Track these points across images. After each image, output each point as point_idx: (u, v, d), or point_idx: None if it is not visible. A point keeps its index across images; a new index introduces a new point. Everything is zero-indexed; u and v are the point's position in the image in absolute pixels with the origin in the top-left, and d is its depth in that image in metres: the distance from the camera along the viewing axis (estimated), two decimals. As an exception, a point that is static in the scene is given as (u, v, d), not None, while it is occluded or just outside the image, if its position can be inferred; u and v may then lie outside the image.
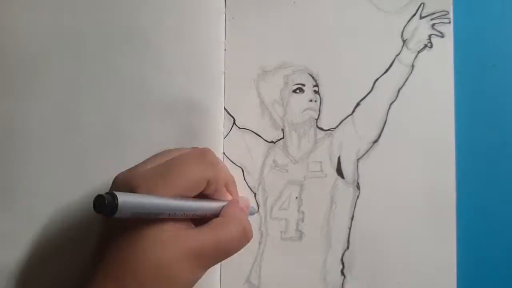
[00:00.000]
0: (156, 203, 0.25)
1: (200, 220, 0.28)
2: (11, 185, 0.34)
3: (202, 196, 0.29)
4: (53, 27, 0.36)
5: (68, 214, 0.34)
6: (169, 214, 0.26)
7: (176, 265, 0.26)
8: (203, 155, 0.29)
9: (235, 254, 0.28)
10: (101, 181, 0.34)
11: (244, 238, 0.29)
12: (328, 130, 0.36)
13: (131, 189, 0.26)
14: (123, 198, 0.23)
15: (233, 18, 0.36)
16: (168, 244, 0.26)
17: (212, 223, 0.28)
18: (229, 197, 0.31)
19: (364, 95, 0.36)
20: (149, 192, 0.26)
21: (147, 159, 0.30)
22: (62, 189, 0.34)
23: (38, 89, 0.35)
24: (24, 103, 0.35)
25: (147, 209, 0.24)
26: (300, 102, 0.36)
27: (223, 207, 0.30)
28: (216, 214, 0.29)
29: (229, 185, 0.31)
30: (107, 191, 0.24)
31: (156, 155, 0.30)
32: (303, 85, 0.36)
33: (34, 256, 0.34)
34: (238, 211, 0.30)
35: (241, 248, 0.29)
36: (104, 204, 0.22)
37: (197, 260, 0.26)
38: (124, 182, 0.27)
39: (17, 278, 0.34)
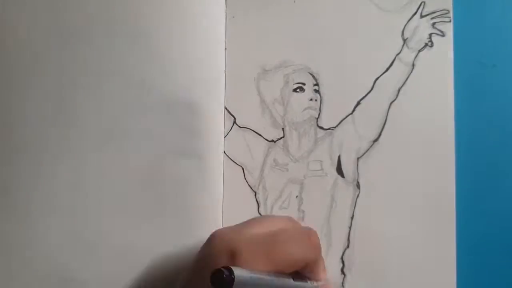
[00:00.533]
0: (264, 281, 0.25)
1: None
2: (11, 185, 0.34)
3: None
4: (53, 27, 0.36)
5: (68, 213, 0.34)
6: None
7: None
8: (309, 236, 0.29)
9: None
10: (101, 179, 0.34)
11: None
12: (329, 129, 0.36)
13: (233, 253, 0.26)
14: (239, 273, 0.23)
15: (233, 17, 0.36)
16: None
17: None
18: (322, 277, 0.30)
19: (364, 94, 0.36)
20: (251, 260, 0.26)
21: (248, 222, 0.29)
22: (62, 189, 0.34)
23: (38, 89, 0.35)
24: (24, 103, 0.35)
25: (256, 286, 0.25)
26: (300, 101, 0.36)
27: None
28: None
29: (321, 264, 0.31)
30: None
31: (258, 220, 0.30)
32: (304, 84, 0.36)
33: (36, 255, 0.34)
34: None
35: None
36: (222, 278, 0.23)
37: None
38: (225, 242, 0.27)
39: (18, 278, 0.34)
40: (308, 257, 0.28)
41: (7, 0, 0.36)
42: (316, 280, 0.30)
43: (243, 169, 0.35)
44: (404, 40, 0.36)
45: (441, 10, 0.36)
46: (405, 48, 0.36)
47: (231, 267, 0.23)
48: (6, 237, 0.34)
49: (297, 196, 0.35)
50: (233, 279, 0.23)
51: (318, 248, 0.29)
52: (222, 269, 0.23)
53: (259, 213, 0.35)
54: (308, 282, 0.30)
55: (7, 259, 0.34)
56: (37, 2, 0.36)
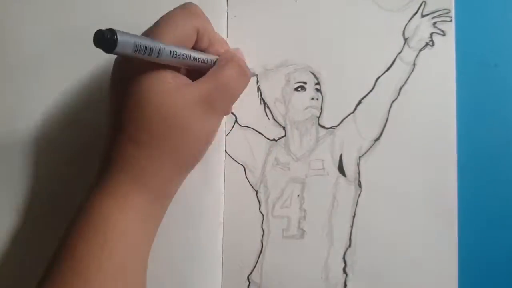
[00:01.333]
0: (154, 42, 0.25)
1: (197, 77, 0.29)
2: (11, 184, 0.34)
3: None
4: (53, 27, 0.36)
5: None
6: (171, 52, 0.26)
7: (185, 113, 0.27)
8: (188, 7, 0.30)
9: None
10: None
11: (242, 76, 0.30)
12: (330, 128, 0.36)
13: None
14: (122, 34, 0.23)
15: (235, 16, 0.36)
16: (172, 95, 0.27)
17: (210, 71, 0.29)
18: (221, 42, 0.32)
19: (365, 93, 0.36)
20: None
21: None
22: (62, 189, 0.34)
23: (38, 89, 0.35)
24: (24, 103, 0.35)
25: (147, 45, 0.25)
26: (302, 100, 0.36)
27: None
28: (212, 66, 0.30)
29: (215, 32, 0.32)
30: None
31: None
32: (305, 83, 0.36)
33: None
34: (231, 53, 0.31)
35: (243, 88, 0.31)
36: (103, 38, 0.23)
37: (205, 105, 0.28)
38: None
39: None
40: (193, 24, 0.29)
41: (8, 1, 0.36)
42: (217, 48, 0.31)
43: (244, 168, 0.35)
44: (405, 40, 0.36)
45: (442, 10, 0.36)
46: (406, 48, 0.36)
47: (116, 30, 0.23)
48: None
49: (298, 195, 0.35)
50: (115, 40, 0.23)
51: (200, 15, 0.30)
52: (104, 30, 0.23)
53: (260, 212, 0.35)
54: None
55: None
56: (37, 3, 0.36)
